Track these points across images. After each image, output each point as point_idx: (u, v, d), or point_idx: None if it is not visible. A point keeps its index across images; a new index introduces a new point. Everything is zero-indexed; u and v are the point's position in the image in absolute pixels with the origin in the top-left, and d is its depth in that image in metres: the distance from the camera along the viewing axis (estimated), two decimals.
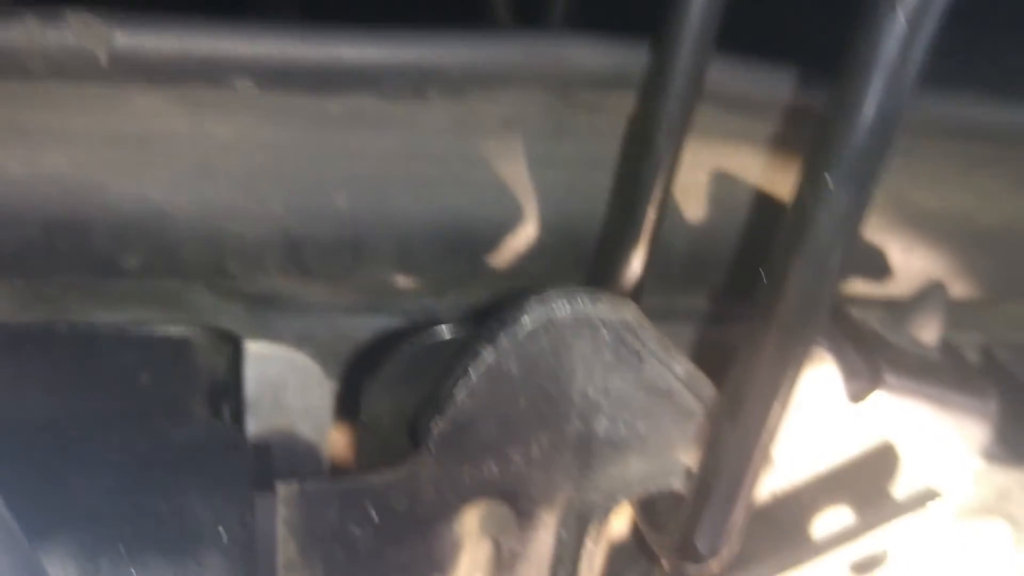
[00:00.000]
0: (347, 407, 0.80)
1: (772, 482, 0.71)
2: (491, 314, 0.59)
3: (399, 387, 0.64)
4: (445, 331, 0.63)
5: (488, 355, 0.57)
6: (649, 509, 0.65)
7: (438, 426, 0.59)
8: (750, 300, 0.52)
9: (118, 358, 0.78)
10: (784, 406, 0.53)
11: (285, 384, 0.82)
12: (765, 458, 0.56)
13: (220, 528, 0.51)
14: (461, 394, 0.58)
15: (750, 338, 0.52)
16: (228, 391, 0.78)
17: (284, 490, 0.58)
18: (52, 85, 0.62)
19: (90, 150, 0.66)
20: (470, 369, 0.57)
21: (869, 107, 0.44)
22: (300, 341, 0.80)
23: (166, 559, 0.49)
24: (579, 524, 0.64)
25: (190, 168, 0.67)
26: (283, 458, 0.84)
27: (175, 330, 0.78)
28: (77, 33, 0.59)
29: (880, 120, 0.44)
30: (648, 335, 0.58)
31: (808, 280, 0.49)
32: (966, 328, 0.87)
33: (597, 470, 0.62)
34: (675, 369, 0.60)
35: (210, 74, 0.61)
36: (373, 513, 0.61)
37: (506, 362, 0.57)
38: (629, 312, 0.58)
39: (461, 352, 0.60)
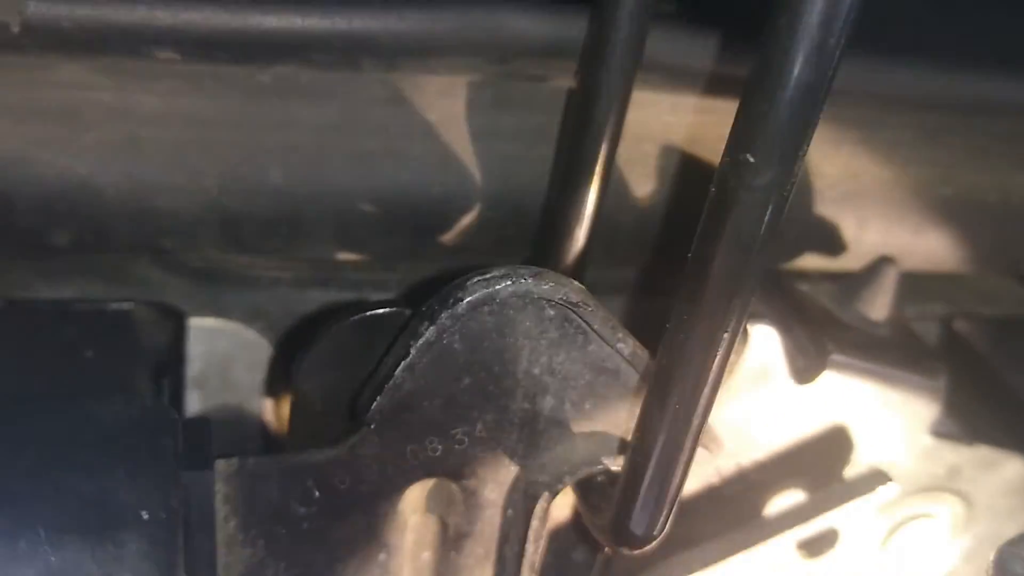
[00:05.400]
0: (285, 382, 0.79)
1: (719, 461, 0.70)
2: (432, 292, 0.58)
3: (331, 362, 0.62)
4: (378, 306, 0.61)
5: (428, 333, 0.55)
6: (588, 491, 0.64)
7: (379, 405, 0.57)
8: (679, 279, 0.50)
9: (59, 334, 0.76)
10: (714, 388, 0.52)
11: (233, 360, 0.81)
12: (695, 441, 0.54)
13: (143, 512, 0.50)
14: (402, 373, 0.56)
15: (677, 319, 0.50)
16: (169, 368, 0.77)
17: (223, 467, 0.57)
18: None
19: (13, 123, 0.64)
20: (411, 347, 0.56)
21: (790, 82, 0.42)
22: (248, 316, 0.79)
23: (85, 542, 0.48)
24: (526, 503, 0.62)
25: (118, 141, 0.65)
26: (231, 435, 0.83)
27: (118, 305, 0.76)
28: None
29: (802, 96, 0.42)
30: (593, 314, 0.57)
31: (732, 262, 0.47)
32: (924, 301, 0.86)
33: (543, 449, 0.61)
34: (620, 348, 0.58)
35: (130, 45, 0.59)
36: (315, 491, 0.59)
37: (448, 340, 0.56)
38: (573, 290, 0.56)
39: (403, 330, 0.58)
